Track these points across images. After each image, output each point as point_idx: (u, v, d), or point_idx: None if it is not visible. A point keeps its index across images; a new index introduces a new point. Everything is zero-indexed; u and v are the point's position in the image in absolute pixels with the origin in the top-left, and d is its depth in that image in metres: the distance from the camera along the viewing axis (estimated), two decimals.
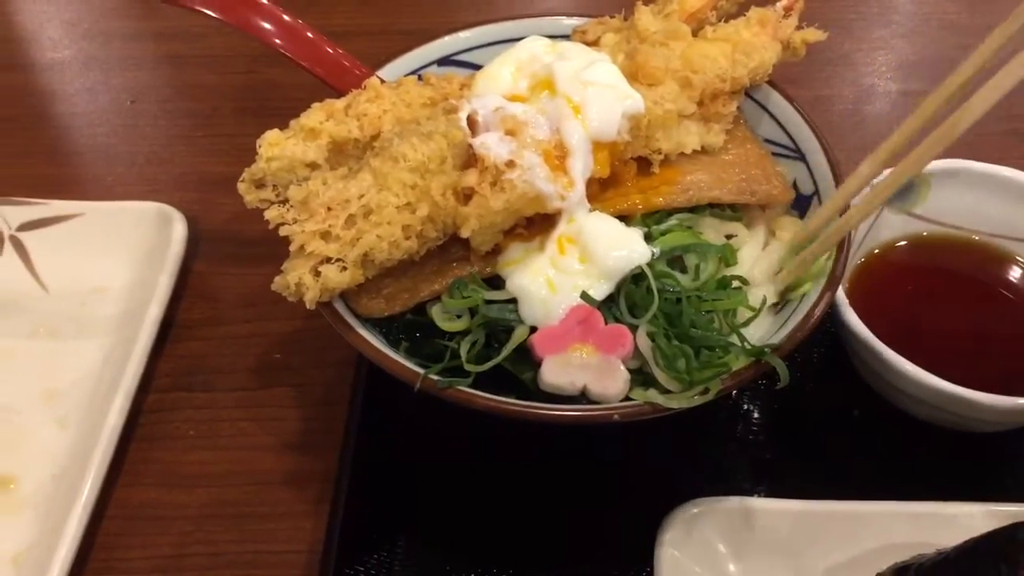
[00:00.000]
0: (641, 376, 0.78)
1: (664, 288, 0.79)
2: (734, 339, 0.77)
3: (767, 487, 0.91)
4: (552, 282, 0.78)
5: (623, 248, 0.79)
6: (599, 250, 0.79)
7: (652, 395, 0.75)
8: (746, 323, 0.79)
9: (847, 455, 0.95)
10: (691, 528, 0.84)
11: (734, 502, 0.86)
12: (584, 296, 0.78)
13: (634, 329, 0.77)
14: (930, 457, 0.93)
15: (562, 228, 0.80)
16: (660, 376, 0.75)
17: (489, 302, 0.80)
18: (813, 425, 0.97)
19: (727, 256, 0.84)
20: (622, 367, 0.76)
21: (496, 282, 0.82)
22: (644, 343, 0.77)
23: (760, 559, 0.83)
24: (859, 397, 0.95)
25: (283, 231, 0.78)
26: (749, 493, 0.88)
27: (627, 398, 0.77)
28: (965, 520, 0.83)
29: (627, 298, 0.79)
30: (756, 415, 0.97)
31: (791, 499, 0.86)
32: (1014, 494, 0.89)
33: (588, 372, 0.76)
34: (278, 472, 0.95)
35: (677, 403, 0.74)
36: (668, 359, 0.75)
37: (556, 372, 0.76)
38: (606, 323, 0.78)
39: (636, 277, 0.79)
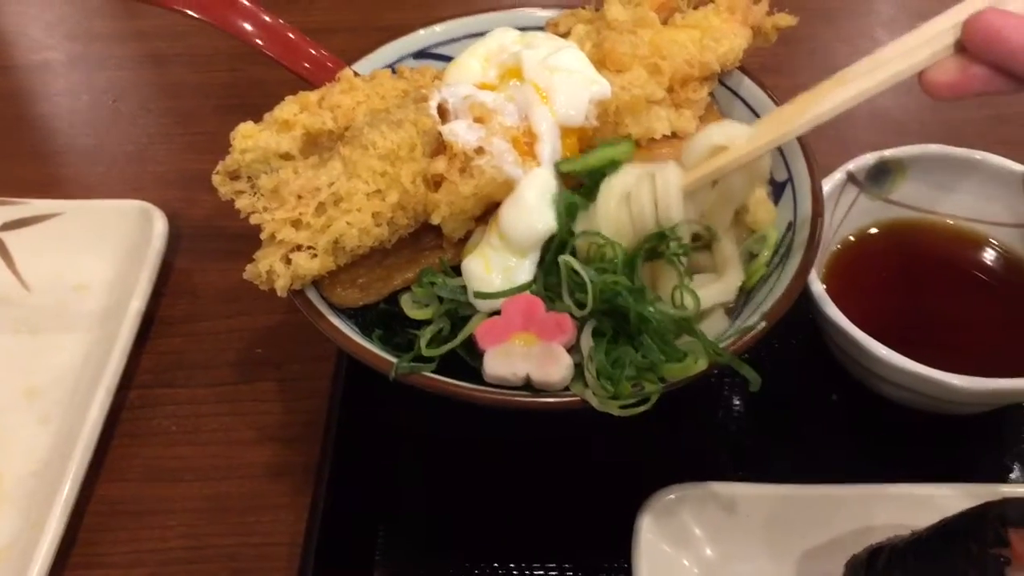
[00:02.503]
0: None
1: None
2: (687, 340, 0.76)
3: (745, 472, 0.91)
4: (488, 263, 0.78)
5: (528, 218, 0.78)
6: (506, 222, 0.79)
7: (588, 394, 0.74)
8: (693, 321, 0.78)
9: (824, 439, 0.95)
10: (669, 514, 0.84)
11: (711, 487, 0.86)
12: (479, 295, 0.77)
13: (583, 322, 0.76)
14: (906, 440, 0.93)
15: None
16: (590, 382, 0.74)
17: (448, 289, 0.80)
18: (791, 410, 0.97)
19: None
20: (564, 354, 0.75)
21: None
22: (586, 342, 0.76)
23: (737, 543, 0.84)
24: (836, 381, 0.96)
25: (254, 219, 0.78)
26: (727, 478, 0.88)
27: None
28: (939, 501, 0.83)
29: (569, 287, 0.77)
30: (734, 401, 0.98)
31: (768, 483, 0.86)
32: (987, 474, 0.90)
33: (530, 361, 0.75)
34: (260, 465, 0.95)
35: (608, 408, 0.73)
36: (600, 369, 0.74)
37: (498, 363, 0.75)
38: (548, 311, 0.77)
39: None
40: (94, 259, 1.10)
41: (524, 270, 0.78)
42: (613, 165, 0.82)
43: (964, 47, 0.73)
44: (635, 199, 0.80)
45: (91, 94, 1.37)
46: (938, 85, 0.74)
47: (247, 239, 0.84)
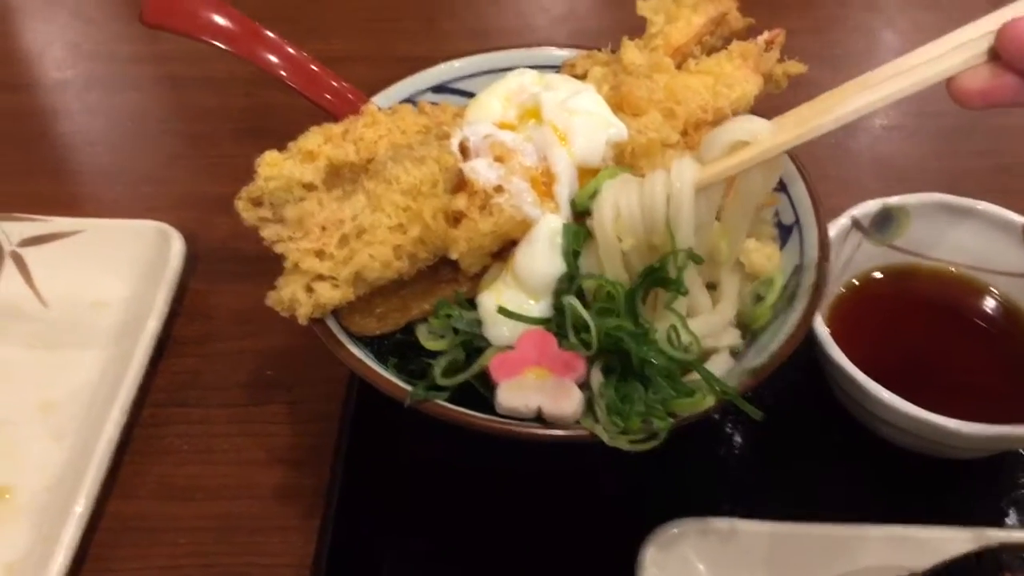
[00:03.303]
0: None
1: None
2: (694, 380, 0.78)
3: (747, 508, 0.92)
4: (503, 300, 0.80)
5: (540, 263, 0.80)
6: (520, 265, 0.81)
7: (598, 429, 0.76)
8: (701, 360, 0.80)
9: (825, 478, 0.96)
10: (672, 548, 0.86)
11: (714, 523, 0.88)
12: (502, 311, 0.79)
13: (593, 358, 0.78)
14: (905, 481, 0.95)
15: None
16: (600, 417, 0.76)
17: (464, 322, 0.82)
18: (792, 448, 0.99)
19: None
20: (576, 388, 0.77)
21: None
22: (596, 378, 0.78)
23: None
24: (837, 421, 0.97)
25: (278, 248, 0.80)
26: (729, 514, 0.89)
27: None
28: (937, 544, 0.84)
29: (575, 327, 0.79)
30: (737, 437, 0.99)
31: (770, 520, 0.88)
32: (984, 518, 0.91)
33: (542, 394, 0.77)
34: (270, 486, 0.97)
35: (617, 443, 0.75)
36: (610, 405, 0.76)
37: (511, 396, 0.77)
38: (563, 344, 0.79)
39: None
40: (112, 277, 1.11)
41: (537, 309, 0.80)
42: None
43: (997, 55, 0.71)
44: (647, 193, 0.79)
45: (111, 114, 1.40)
46: (968, 92, 0.72)
47: (261, 262, 0.86)
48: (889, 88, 0.74)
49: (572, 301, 0.79)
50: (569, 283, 0.80)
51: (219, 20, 0.95)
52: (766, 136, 0.77)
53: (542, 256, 0.80)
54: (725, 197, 0.83)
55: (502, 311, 0.79)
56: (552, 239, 0.80)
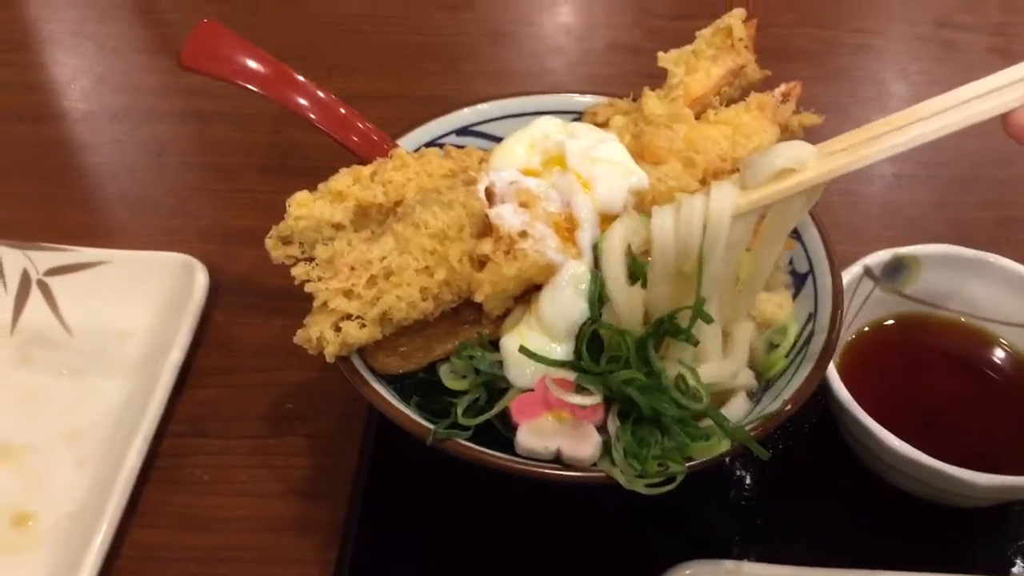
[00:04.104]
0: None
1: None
2: (709, 424, 0.79)
3: (757, 551, 0.94)
4: (526, 343, 0.82)
5: (563, 308, 0.82)
6: (544, 310, 0.83)
7: (616, 472, 0.77)
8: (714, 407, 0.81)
9: (835, 524, 0.98)
10: None
11: (724, 565, 0.89)
12: (523, 351, 0.81)
13: (610, 403, 0.80)
14: (914, 529, 0.96)
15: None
16: (618, 461, 0.78)
17: (487, 363, 0.84)
18: (803, 492, 1.00)
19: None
20: (594, 431, 0.79)
21: None
22: (613, 423, 0.80)
23: None
24: (846, 465, 0.99)
25: (308, 287, 0.83)
26: (740, 557, 0.91)
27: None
28: None
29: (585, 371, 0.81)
30: (748, 481, 1.01)
31: (780, 564, 0.89)
32: (991, 566, 0.92)
33: (561, 436, 0.79)
34: (287, 519, 0.98)
35: (634, 486, 0.77)
36: (627, 448, 0.78)
37: (530, 437, 0.79)
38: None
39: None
40: (136, 307, 1.13)
41: (560, 352, 0.82)
42: None
43: None
44: (684, 219, 0.77)
45: (137, 146, 1.43)
46: None
47: (283, 295, 0.88)
48: (943, 120, 0.73)
49: (583, 353, 0.81)
50: (587, 328, 0.82)
51: (253, 65, 0.98)
52: (813, 164, 0.76)
53: (566, 301, 0.82)
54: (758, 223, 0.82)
55: (524, 351, 0.81)
56: (577, 284, 0.82)
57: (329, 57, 1.56)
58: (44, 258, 1.17)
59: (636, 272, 0.82)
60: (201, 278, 1.14)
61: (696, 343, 0.81)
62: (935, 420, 0.99)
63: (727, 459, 0.93)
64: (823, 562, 0.89)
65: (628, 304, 0.81)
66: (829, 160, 0.76)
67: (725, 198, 0.76)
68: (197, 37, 0.99)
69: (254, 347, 1.14)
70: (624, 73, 1.55)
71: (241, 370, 1.12)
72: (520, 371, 0.82)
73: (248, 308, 1.18)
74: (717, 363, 0.85)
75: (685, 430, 0.78)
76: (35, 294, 1.15)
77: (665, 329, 0.80)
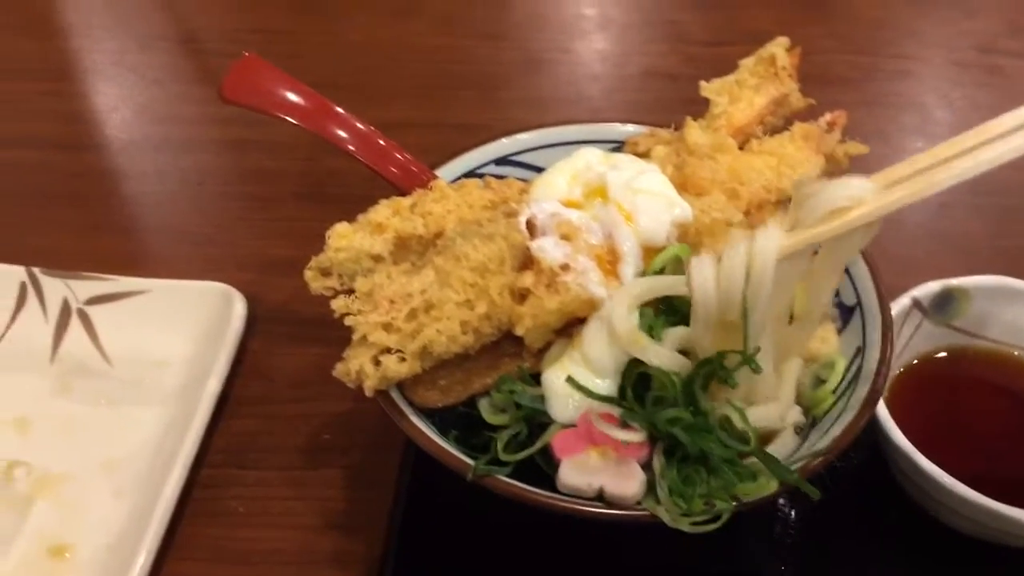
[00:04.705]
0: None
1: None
2: (756, 463, 0.78)
3: None
4: (571, 377, 0.81)
5: (609, 345, 0.80)
6: (589, 346, 0.81)
7: (660, 511, 0.76)
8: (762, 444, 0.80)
9: (885, 564, 0.95)
10: None
11: None
12: (570, 381, 0.80)
13: (655, 441, 0.79)
14: (965, 568, 0.94)
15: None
16: (662, 499, 0.76)
17: (528, 397, 0.83)
18: (851, 532, 0.98)
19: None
20: (639, 470, 0.78)
21: None
22: (658, 460, 0.78)
23: None
24: (894, 502, 0.96)
25: (347, 321, 0.82)
26: None
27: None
28: None
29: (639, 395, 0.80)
30: (794, 518, 0.98)
31: None
32: None
33: (604, 474, 0.77)
34: (324, 552, 0.97)
35: (679, 525, 0.75)
36: (672, 487, 0.76)
37: (573, 474, 0.78)
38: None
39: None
40: (175, 337, 1.13)
41: (604, 387, 0.81)
42: (677, 261, 0.85)
43: None
44: (725, 272, 0.74)
45: (176, 175, 1.44)
46: None
47: (320, 325, 0.88)
48: (1017, 141, 0.69)
49: (628, 393, 0.80)
50: (634, 368, 0.81)
51: (293, 98, 0.98)
52: (870, 198, 0.72)
53: (613, 338, 0.80)
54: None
55: (571, 382, 0.80)
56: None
57: (366, 86, 1.57)
58: (84, 287, 1.18)
59: (656, 331, 0.81)
60: (239, 307, 1.14)
61: (735, 385, 0.79)
62: (988, 456, 0.96)
63: (774, 499, 0.91)
64: None
65: (660, 360, 0.80)
66: (888, 192, 0.72)
67: (769, 244, 0.73)
68: (238, 70, 0.99)
69: (291, 377, 1.14)
70: (661, 99, 1.54)
71: (278, 400, 1.12)
72: (562, 405, 0.81)
73: (286, 337, 1.18)
74: (766, 405, 0.82)
75: (733, 469, 0.76)
76: (75, 323, 1.16)
77: (710, 372, 0.78)
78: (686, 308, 0.79)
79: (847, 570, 0.95)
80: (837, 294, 0.95)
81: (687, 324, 0.80)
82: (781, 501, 0.99)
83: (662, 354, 0.80)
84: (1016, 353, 1.02)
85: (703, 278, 0.75)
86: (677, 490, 0.76)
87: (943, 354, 1.03)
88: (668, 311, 0.83)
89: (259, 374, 1.14)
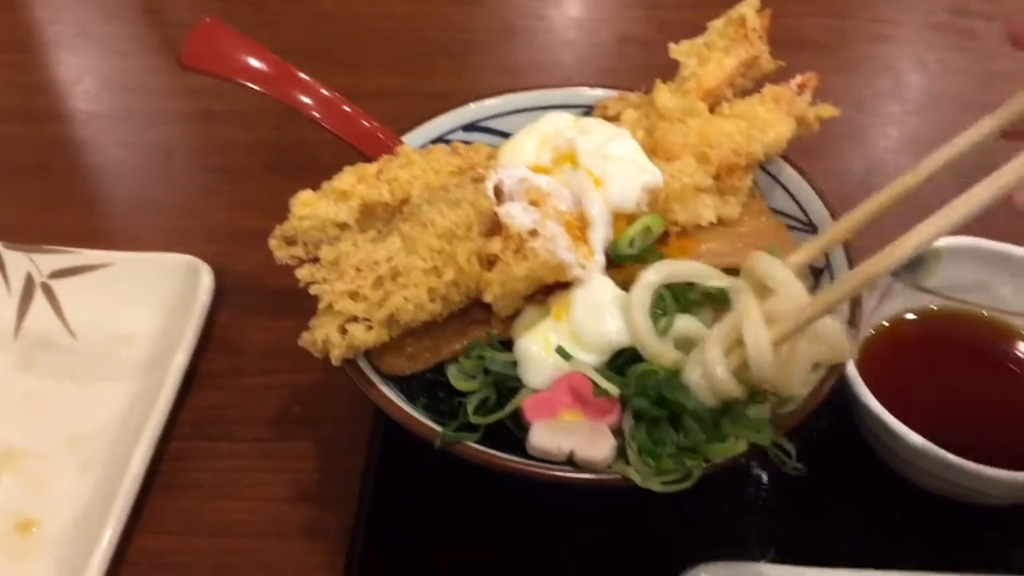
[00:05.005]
0: None
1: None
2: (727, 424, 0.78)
3: (774, 552, 0.92)
4: (549, 345, 0.81)
5: (604, 326, 0.81)
6: (581, 323, 0.81)
7: (630, 471, 0.76)
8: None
9: (855, 524, 0.95)
10: None
11: (743, 567, 0.87)
12: (560, 351, 0.80)
13: (624, 404, 0.79)
14: (935, 528, 0.94)
15: (564, 295, 0.83)
16: (632, 459, 0.76)
17: (499, 363, 0.82)
18: (821, 492, 0.97)
19: None
20: (609, 434, 0.77)
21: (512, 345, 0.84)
22: (627, 422, 0.78)
23: None
24: (864, 463, 0.96)
25: (313, 289, 0.81)
26: (757, 558, 0.89)
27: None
28: None
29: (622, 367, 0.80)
30: (765, 480, 0.98)
31: (798, 566, 0.87)
32: (1017, 567, 0.90)
33: (575, 437, 0.77)
34: (295, 523, 0.97)
35: (650, 485, 0.75)
36: (642, 446, 0.76)
37: (543, 437, 0.77)
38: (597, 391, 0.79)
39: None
40: (141, 310, 1.12)
41: (588, 360, 0.81)
42: (648, 232, 0.85)
43: None
44: (709, 373, 0.76)
45: (142, 147, 1.41)
46: None
47: (289, 296, 0.86)
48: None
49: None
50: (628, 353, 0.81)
51: (255, 63, 0.96)
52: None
53: (609, 324, 0.81)
54: None
55: (560, 352, 0.79)
56: (614, 299, 0.82)
57: (336, 54, 1.54)
58: (48, 260, 1.15)
59: (667, 309, 0.82)
60: (206, 280, 1.12)
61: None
62: (956, 416, 0.97)
63: (745, 459, 0.91)
64: (842, 562, 0.87)
65: (657, 355, 0.80)
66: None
67: (761, 342, 0.74)
68: (198, 36, 0.97)
69: (260, 349, 1.12)
70: (636, 66, 1.53)
71: (247, 373, 1.10)
72: (538, 372, 0.80)
73: (254, 310, 1.16)
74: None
75: (703, 428, 0.76)
76: (39, 297, 1.14)
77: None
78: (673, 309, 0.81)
79: (817, 531, 0.95)
80: None
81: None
82: (751, 464, 0.99)
83: (668, 354, 0.80)
84: (986, 314, 1.03)
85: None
86: (647, 449, 0.75)
87: (913, 316, 1.03)
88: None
89: (228, 347, 1.13)
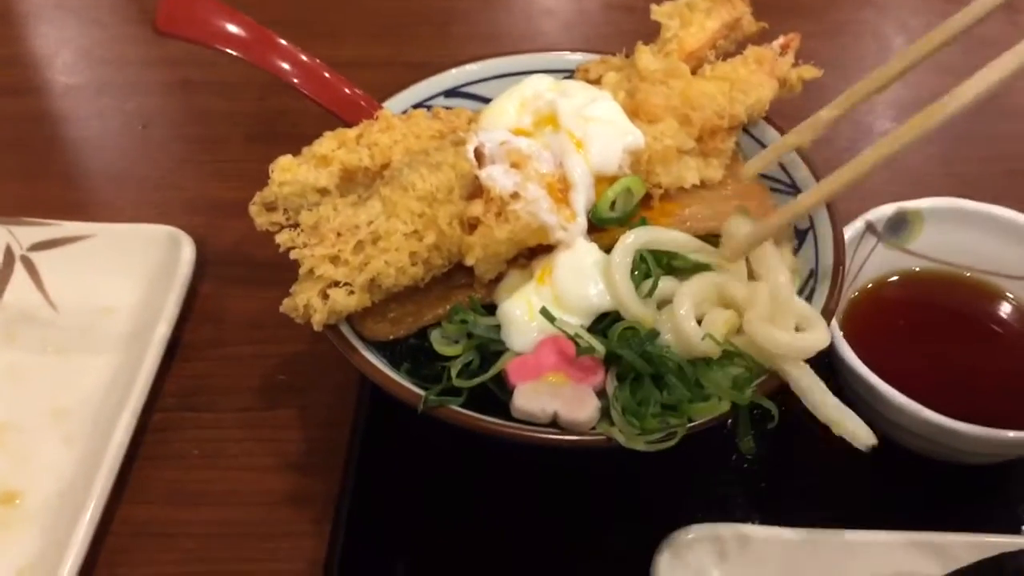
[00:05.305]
0: None
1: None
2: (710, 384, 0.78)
3: (760, 514, 0.92)
4: (533, 309, 0.80)
5: (586, 289, 0.81)
6: (564, 287, 0.81)
7: (614, 432, 0.76)
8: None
9: (839, 484, 0.96)
10: (685, 554, 0.86)
11: (728, 528, 0.87)
12: (544, 312, 0.80)
13: (609, 361, 0.79)
14: (921, 488, 0.94)
15: (547, 258, 0.83)
16: (616, 419, 0.76)
17: (482, 327, 0.82)
18: (806, 454, 0.98)
19: None
20: (593, 396, 0.77)
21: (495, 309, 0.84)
22: (611, 383, 0.78)
23: None
24: None
25: (293, 254, 0.80)
26: (742, 520, 0.90)
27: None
28: (954, 550, 0.84)
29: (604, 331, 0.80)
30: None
31: (783, 527, 0.88)
32: (1002, 525, 0.91)
33: (559, 399, 0.77)
34: (281, 492, 0.97)
35: (634, 444, 0.75)
36: (625, 406, 0.76)
37: (527, 398, 0.77)
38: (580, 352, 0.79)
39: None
40: (122, 282, 1.11)
41: (572, 322, 0.80)
42: (629, 194, 0.85)
43: None
44: (678, 328, 0.79)
45: (121, 118, 1.40)
46: None
47: (272, 267, 0.86)
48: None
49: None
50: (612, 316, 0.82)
51: (232, 28, 0.95)
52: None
53: (593, 288, 0.81)
54: None
55: (545, 314, 0.79)
56: (597, 263, 0.82)
57: (318, 25, 1.53)
58: (27, 233, 1.14)
59: (651, 272, 0.82)
60: (188, 250, 1.11)
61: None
62: (940, 375, 0.97)
63: (728, 420, 0.91)
64: (827, 523, 0.88)
65: (638, 317, 0.81)
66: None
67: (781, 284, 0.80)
68: (172, 0, 0.95)
69: (243, 319, 1.12)
70: (620, 32, 1.52)
71: (231, 343, 1.10)
72: (522, 335, 0.80)
73: (236, 280, 1.16)
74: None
75: (686, 385, 0.76)
76: (19, 270, 1.13)
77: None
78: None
79: (801, 491, 0.96)
80: None
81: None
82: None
83: (650, 316, 0.80)
84: (968, 275, 1.03)
85: None
86: (631, 410, 0.75)
87: (896, 277, 1.03)
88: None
89: (210, 317, 1.12)
